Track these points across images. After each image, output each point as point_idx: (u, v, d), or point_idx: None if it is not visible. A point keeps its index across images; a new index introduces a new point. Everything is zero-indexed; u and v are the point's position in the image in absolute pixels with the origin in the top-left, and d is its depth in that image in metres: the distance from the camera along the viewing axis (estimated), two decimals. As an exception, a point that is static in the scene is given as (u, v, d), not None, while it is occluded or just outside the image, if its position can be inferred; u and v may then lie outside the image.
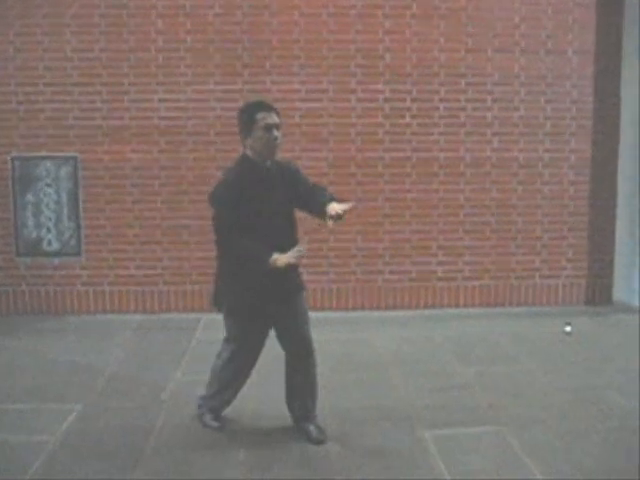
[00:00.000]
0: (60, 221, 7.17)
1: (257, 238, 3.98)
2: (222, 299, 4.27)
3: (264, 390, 4.86)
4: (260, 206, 4.02)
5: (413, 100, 7.18)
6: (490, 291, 7.41)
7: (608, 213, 7.46)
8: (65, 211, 7.16)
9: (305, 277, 6.98)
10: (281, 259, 3.91)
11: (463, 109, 7.22)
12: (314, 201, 4.12)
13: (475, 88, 7.21)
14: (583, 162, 7.40)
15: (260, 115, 4.05)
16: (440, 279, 7.37)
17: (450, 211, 7.29)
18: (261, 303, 4.13)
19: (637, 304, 7.27)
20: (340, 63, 7.11)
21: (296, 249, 3.98)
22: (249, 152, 4.14)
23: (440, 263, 7.36)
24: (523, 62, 7.24)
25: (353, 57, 7.11)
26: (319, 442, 4.22)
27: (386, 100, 7.18)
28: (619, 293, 7.50)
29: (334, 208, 3.96)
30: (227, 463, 4.00)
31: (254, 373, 4.49)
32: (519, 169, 7.33)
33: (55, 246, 7.19)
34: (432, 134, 7.22)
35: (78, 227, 7.16)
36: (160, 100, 7.06)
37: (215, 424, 4.46)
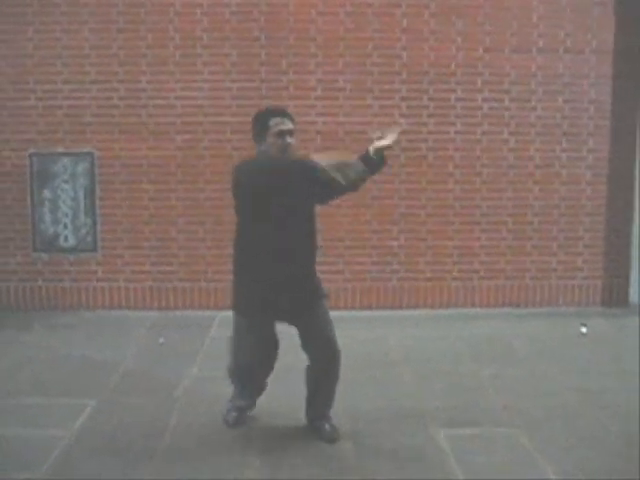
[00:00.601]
0: (77, 217, 7.21)
1: (263, 232, 4.02)
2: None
3: (279, 389, 4.87)
4: (271, 200, 4.00)
5: (430, 99, 7.16)
6: (505, 291, 7.39)
7: (625, 214, 7.40)
8: (82, 207, 7.20)
9: (320, 276, 7.05)
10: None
11: (480, 108, 7.19)
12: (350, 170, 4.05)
13: (492, 87, 7.18)
14: (600, 162, 7.35)
15: (273, 121, 4.07)
16: (455, 279, 7.35)
17: (466, 211, 7.27)
18: (260, 297, 4.12)
19: (654, 306, 7.23)
20: (357, 61, 7.10)
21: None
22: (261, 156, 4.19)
23: (456, 263, 7.34)
24: (541, 61, 7.20)
25: (370, 55, 7.10)
26: (332, 440, 4.22)
27: (403, 99, 7.16)
28: (635, 295, 7.44)
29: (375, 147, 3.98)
30: (240, 461, 4.00)
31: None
32: (536, 169, 7.29)
33: (71, 242, 7.23)
34: (448, 133, 7.19)
35: (94, 223, 7.20)
36: (177, 97, 7.08)
37: (230, 421, 4.48)
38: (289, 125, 4.10)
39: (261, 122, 4.12)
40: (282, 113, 4.18)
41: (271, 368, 4.50)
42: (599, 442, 4.23)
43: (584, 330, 6.51)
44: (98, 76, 7.04)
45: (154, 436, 4.31)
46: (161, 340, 6.24)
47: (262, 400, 4.67)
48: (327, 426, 4.29)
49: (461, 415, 4.64)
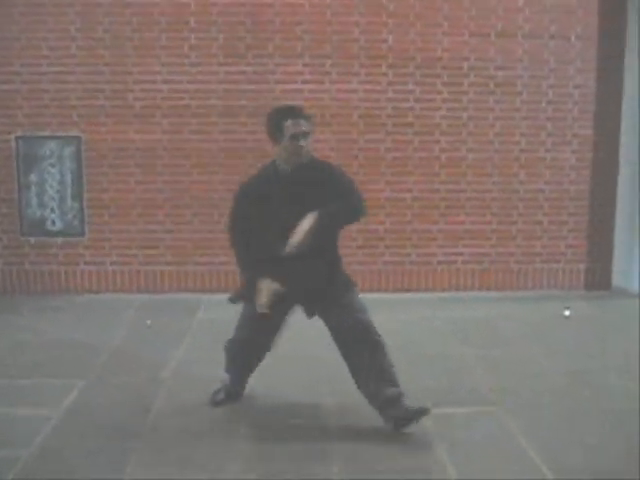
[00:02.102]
0: (64, 201, 7.21)
1: (272, 242, 3.97)
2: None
3: (269, 375, 4.91)
4: (278, 211, 3.98)
5: (416, 83, 7.19)
6: (490, 275, 7.46)
7: (608, 198, 7.47)
8: (69, 191, 7.20)
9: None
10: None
11: (465, 93, 7.22)
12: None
13: (478, 72, 7.21)
14: (585, 147, 7.41)
15: (287, 123, 3.91)
16: (440, 262, 7.41)
17: (451, 195, 7.32)
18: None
19: (636, 289, 7.30)
20: (343, 45, 7.11)
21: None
22: (277, 158, 4.07)
23: (441, 246, 7.39)
24: (526, 46, 7.24)
25: (356, 39, 7.11)
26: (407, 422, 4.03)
27: (389, 83, 7.19)
28: (618, 278, 7.53)
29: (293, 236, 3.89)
30: (224, 441, 4.06)
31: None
32: (521, 153, 7.34)
33: (59, 226, 7.23)
34: (434, 118, 7.23)
35: (81, 207, 7.20)
36: (163, 81, 7.08)
37: (216, 400, 4.49)
38: (303, 127, 3.94)
39: (275, 123, 3.98)
40: (297, 114, 4.00)
41: (267, 350, 4.43)
42: (583, 421, 4.31)
43: (568, 313, 6.59)
44: (84, 59, 7.03)
45: (141, 416, 4.34)
46: (148, 322, 6.27)
47: (254, 383, 4.71)
48: (398, 412, 4.06)
49: (447, 395, 4.70)
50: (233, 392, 4.56)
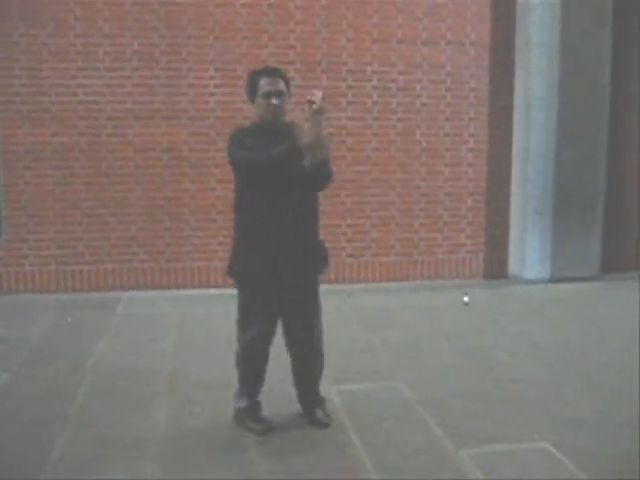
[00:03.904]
0: (-20, 203, 7.30)
1: (272, 197, 3.91)
2: (235, 267, 4.12)
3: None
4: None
5: (323, 87, 7.57)
6: (395, 266, 7.94)
7: (503, 193, 8.08)
8: (-15, 193, 7.30)
9: (221, 254, 7.39)
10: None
11: (369, 96, 7.68)
12: None
13: (380, 76, 7.68)
14: (480, 145, 7.99)
15: (262, 82, 3.94)
16: (349, 255, 7.84)
17: (357, 191, 7.76)
18: (272, 270, 3.99)
19: (528, 277, 7.91)
20: (253, 52, 7.45)
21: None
22: (257, 118, 4.07)
23: (349, 240, 7.83)
24: (425, 52, 7.76)
25: (265, 45, 7.48)
26: (325, 426, 4.22)
27: (298, 87, 7.46)
28: (513, 267, 8.13)
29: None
30: (145, 422, 4.35)
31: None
32: (422, 152, 7.86)
33: (-25, 228, 7.32)
34: (341, 120, 7.63)
35: (-2, 209, 7.32)
36: (79, 85, 7.27)
37: (258, 427, 4.17)
38: (277, 86, 3.95)
39: (251, 83, 4.02)
40: (271, 72, 4.03)
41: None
42: (472, 391, 4.78)
43: (466, 299, 7.10)
44: (-1, 63, 7.17)
45: (67, 402, 4.57)
46: (69, 319, 6.46)
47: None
48: (319, 412, 4.29)
49: (351, 374, 5.09)
50: (257, 406, 4.29)
